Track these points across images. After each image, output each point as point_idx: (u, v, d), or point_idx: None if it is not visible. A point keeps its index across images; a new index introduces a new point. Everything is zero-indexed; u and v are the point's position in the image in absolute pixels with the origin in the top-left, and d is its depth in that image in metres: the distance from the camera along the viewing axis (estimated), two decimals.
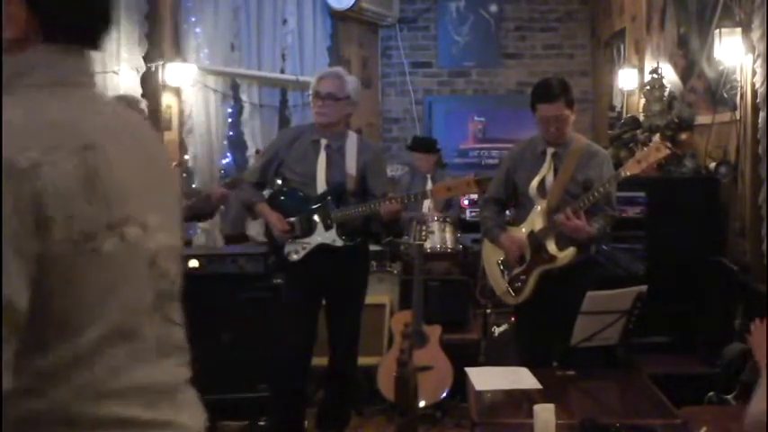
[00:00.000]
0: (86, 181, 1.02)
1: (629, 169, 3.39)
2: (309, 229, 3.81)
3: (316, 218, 3.79)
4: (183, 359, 1.24)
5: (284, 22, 6.33)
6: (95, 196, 1.03)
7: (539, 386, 2.93)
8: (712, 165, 4.40)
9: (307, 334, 3.88)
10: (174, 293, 1.21)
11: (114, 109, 1.22)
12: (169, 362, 1.19)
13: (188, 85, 5.32)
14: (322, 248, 3.79)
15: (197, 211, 4.12)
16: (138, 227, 1.09)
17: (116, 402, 1.08)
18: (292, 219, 3.82)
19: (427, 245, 4.91)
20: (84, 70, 1.22)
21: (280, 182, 4.02)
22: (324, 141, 3.83)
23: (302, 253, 3.82)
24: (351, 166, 3.83)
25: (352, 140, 3.89)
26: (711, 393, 3.19)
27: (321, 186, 3.81)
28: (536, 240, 3.57)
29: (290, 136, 3.97)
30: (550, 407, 2.42)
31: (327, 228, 3.78)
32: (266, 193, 4.05)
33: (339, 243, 3.78)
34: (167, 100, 5.22)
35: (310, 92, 3.91)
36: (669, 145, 3.59)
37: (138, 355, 1.12)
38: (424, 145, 5.98)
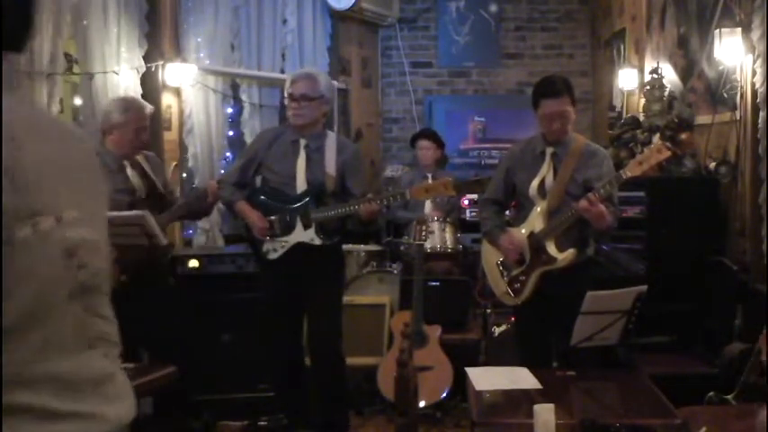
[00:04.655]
0: (6, 171, 1.08)
1: (631, 171, 3.38)
2: (288, 227, 3.84)
3: (295, 217, 3.82)
4: (111, 351, 1.25)
5: (284, 21, 6.32)
6: (13, 186, 1.09)
7: (539, 386, 2.93)
8: (712, 165, 4.40)
9: (294, 331, 3.98)
10: (99, 286, 1.23)
11: (39, 110, 1.28)
12: (92, 354, 1.21)
13: (188, 85, 5.31)
14: (299, 247, 3.82)
15: (192, 207, 4.12)
16: (51, 219, 1.14)
17: (26, 391, 1.10)
18: (271, 218, 3.85)
19: (427, 245, 4.92)
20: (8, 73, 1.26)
21: (259, 181, 4.05)
22: (303, 141, 3.87)
23: (280, 251, 3.85)
24: (330, 165, 3.85)
25: (331, 140, 3.92)
26: (711, 393, 3.18)
27: (301, 186, 3.84)
28: (536, 241, 3.56)
29: (269, 137, 4.01)
30: (550, 407, 2.42)
31: (306, 227, 3.81)
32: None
33: (317, 242, 3.81)
34: (167, 100, 5.21)
35: (285, 94, 3.93)
36: (670, 146, 3.58)
37: (53, 345, 1.14)
38: (431, 133, 6.01)
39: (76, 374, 1.17)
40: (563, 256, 3.51)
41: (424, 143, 5.89)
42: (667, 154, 3.42)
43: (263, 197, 3.93)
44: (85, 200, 1.23)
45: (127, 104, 3.91)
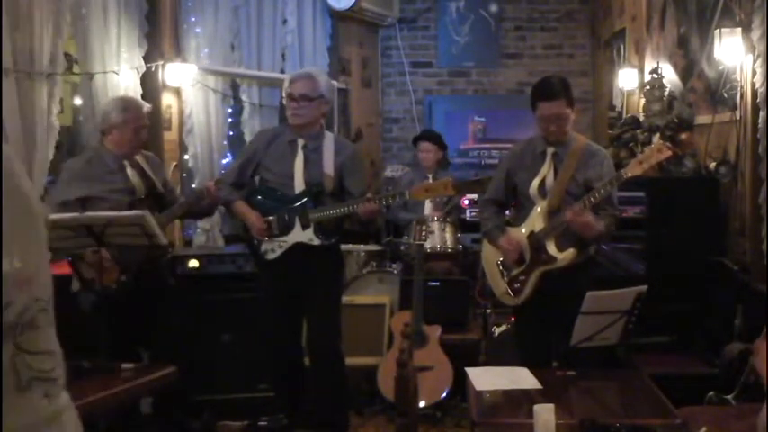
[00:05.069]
0: None
1: (631, 171, 3.39)
2: (287, 228, 3.84)
3: (293, 217, 3.82)
4: (52, 389, 1.14)
5: (284, 22, 6.32)
6: None
7: (539, 386, 2.94)
8: (712, 165, 4.39)
9: (293, 331, 3.98)
10: (34, 321, 1.11)
11: None
12: (28, 396, 1.10)
13: (188, 85, 5.31)
14: (297, 247, 3.82)
15: (192, 207, 4.12)
16: None
17: None
18: (270, 218, 3.85)
19: (427, 245, 4.91)
20: None
21: (257, 181, 4.05)
22: (301, 142, 3.87)
23: (279, 252, 3.85)
24: (328, 165, 3.85)
25: (329, 140, 3.92)
26: (711, 393, 3.18)
27: (299, 186, 3.84)
28: (536, 241, 3.56)
29: (267, 137, 4.01)
30: (550, 407, 2.42)
31: (305, 227, 3.81)
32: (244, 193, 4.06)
33: (316, 242, 3.82)
34: (167, 100, 5.21)
35: (283, 94, 3.93)
36: (671, 145, 3.58)
37: None
38: (432, 135, 6.00)
39: (12, 425, 1.07)
40: (563, 256, 3.51)
41: (425, 145, 5.88)
42: (668, 154, 3.42)
43: (260, 197, 3.93)
44: (5, 225, 1.08)
45: (125, 104, 3.91)
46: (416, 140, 6.06)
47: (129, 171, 3.86)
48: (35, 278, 1.12)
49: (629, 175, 3.39)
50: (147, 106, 4.01)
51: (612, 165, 3.68)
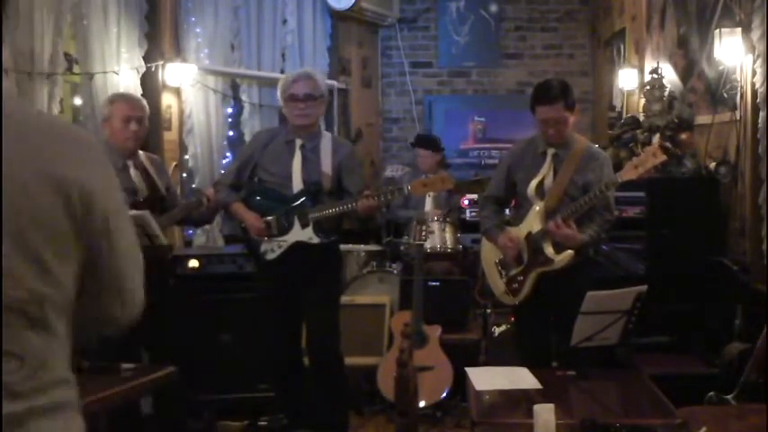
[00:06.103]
0: None
1: (626, 175, 3.39)
2: (286, 227, 3.84)
3: (292, 216, 3.82)
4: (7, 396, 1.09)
5: (284, 22, 6.33)
6: None
7: (539, 386, 2.93)
8: (712, 165, 4.40)
9: (293, 331, 3.97)
10: None
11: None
12: None
13: (188, 85, 5.31)
14: (297, 246, 3.82)
15: (192, 212, 4.10)
16: None
17: None
18: (269, 218, 3.85)
19: (427, 245, 4.91)
20: None
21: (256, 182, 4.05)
22: (298, 141, 3.86)
23: (278, 251, 3.85)
24: (326, 164, 3.85)
25: (326, 140, 3.93)
26: (711, 393, 3.18)
27: (297, 186, 3.84)
28: (534, 242, 3.56)
29: (265, 138, 4.01)
30: (550, 407, 2.42)
31: (304, 226, 3.80)
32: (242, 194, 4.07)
33: (315, 240, 3.81)
34: (167, 100, 5.21)
35: (279, 95, 3.91)
36: (669, 145, 3.59)
37: None
38: (428, 142, 5.98)
39: None
40: (560, 258, 3.51)
41: (422, 152, 5.88)
42: (662, 158, 3.43)
43: (258, 198, 3.93)
44: None
45: (112, 97, 3.96)
46: (413, 144, 6.07)
47: (132, 172, 3.86)
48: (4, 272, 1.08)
49: (624, 179, 3.40)
50: (138, 99, 4.02)
51: (612, 169, 3.68)
